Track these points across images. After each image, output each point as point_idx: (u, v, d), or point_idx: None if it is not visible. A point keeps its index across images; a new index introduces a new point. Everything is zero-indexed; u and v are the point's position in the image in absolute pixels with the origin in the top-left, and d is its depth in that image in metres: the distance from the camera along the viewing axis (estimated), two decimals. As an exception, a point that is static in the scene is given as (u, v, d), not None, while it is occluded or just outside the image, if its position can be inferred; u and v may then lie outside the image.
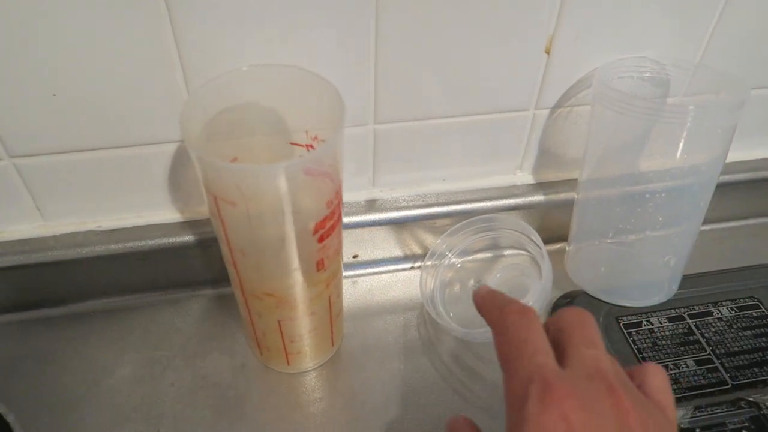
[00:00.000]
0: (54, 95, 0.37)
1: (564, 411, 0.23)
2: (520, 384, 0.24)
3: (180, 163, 0.43)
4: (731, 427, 0.38)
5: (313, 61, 0.39)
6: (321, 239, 0.33)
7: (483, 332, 0.44)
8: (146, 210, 0.45)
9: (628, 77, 0.43)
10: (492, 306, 0.29)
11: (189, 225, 0.45)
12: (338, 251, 0.37)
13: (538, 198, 0.49)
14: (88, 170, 0.42)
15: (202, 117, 0.33)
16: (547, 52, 0.42)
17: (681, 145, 0.39)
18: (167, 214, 0.46)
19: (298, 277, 0.35)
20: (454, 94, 0.43)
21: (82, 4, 0.34)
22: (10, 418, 0.41)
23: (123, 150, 0.41)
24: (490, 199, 0.49)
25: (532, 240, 0.45)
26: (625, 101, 0.38)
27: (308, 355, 0.42)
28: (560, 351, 0.26)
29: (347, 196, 0.48)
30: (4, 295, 0.45)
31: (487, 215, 0.47)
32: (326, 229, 0.33)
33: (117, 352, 0.45)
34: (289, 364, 0.42)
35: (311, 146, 0.36)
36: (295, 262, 0.33)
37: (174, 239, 0.45)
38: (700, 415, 0.39)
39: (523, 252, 0.49)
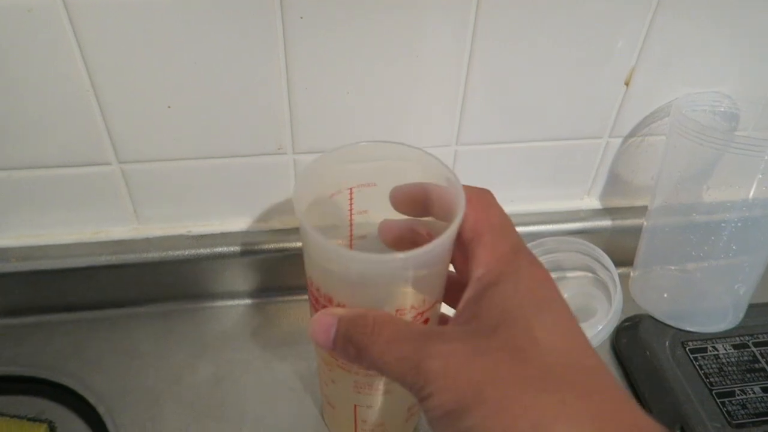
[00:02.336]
0: (169, 107, 0.40)
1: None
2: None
3: (266, 175, 0.46)
4: (800, 453, 0.39)
5: (400, 76, 0.42)
6: None
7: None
8: (232, 217, 0.48)
9: (701, 110, 0.45)
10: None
11: (273, 233, 0.48)
12: None
13: (605, 223, 0.51)
14: (185, 177, 0.45)
15: (310, 195, 0.32)
16: (627, 83, 0.44)
17: (756, 177, 0.40)
18: (252, 222, 0.48)
19: None
20: (531, 119, 0.45)
21: (205, 23, 0.37)
22: (101, 410, 0.43)
23: (221, 160, 0.44)
24: (558, 222, 0.50)
25: (602, 263, 0.47)
26: (703, 131, 0.40)
27: None
28: None
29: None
30: (96, 292, 0.48)
31: (556, 237, 0.49)
32: None
33: (198, 352, 0.47)
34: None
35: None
36: None
37: (258, 246, 0.47)
38: (769, 441, 0.40)
39: (589, 274, 0.50)
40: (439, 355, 0.24)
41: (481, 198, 0.29)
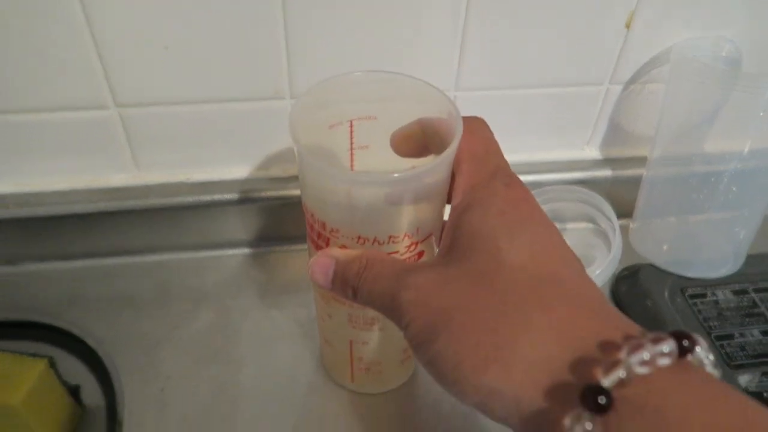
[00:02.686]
0: (166, 48, 0.40)
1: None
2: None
3: (265, 121, 0.45)
4: (798, 393, 0.40)
5: (398, 16, 0.41)
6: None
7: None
8: (233, 165, 0.47)
9: (702, 55, 0.45)
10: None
11: (273, 181, 0.48)
12: None
13: (605, 173, 0.51)
14: (184, 123, 0.44)
15: (307, 120, 0.31)
16: (627, 26, 0.43)
17: (758, 115, 0.40)
18: (252, 170, 0.48)
19: None
20: (531, 65, 0.45)
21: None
22: (101, 352, 0.44)
23: (219, 105, 0.43)
24: (558, 171, 0.50)
25: (603, 212, 0.47)
26: (706, 70, 0.40)
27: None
28: None
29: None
30: (95, 240, 0.48)
31: (559, 186, 0.49)
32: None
33: (197, 300, 0.47)
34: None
35: None
36: None
37: (257, 194, 0.47)
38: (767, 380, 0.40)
39: (590, 225, 0.50)
40: (413, 286, 0.25)
41: (467, 126, 0.29)
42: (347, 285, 0.28)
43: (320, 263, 0.29)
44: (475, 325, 0.23)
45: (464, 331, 0.23)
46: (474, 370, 0.22)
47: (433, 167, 0.28)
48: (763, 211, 0.45)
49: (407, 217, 0.30)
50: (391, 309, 0.25)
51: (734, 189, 0.43)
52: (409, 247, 0.31)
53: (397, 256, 0.31)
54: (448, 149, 0.28)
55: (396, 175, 0.27)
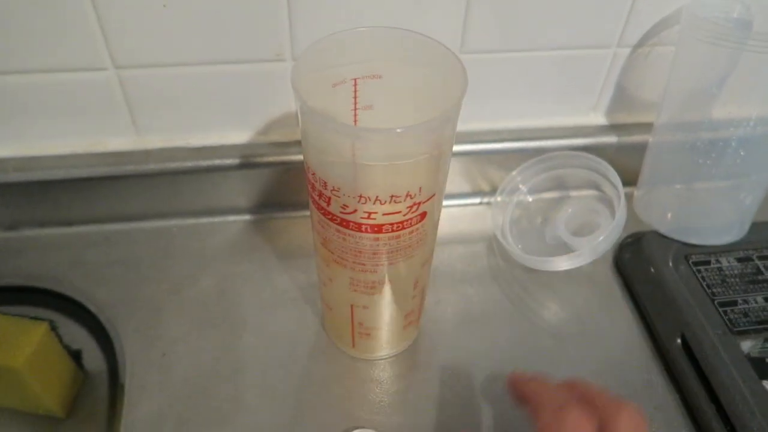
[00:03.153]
0: (164, 6, 0.39)
1: None
2: None
3: (266, 84, 0.44)
4: (801, 358, 0.39)
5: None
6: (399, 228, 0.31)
7: (552, 262, 0.45)
8: (233, 129, 0.47)
9: (714, 16, 0.44)
10: (545, 397, 0.30)
11: (274, 146, 0.47)
12: (421, 242, 0.34)
13: (610, 139, 0.50)
14: (183, 86, 0.44)
15: (310, 78, 0.30)
16: (637, -15, 0.42)
17: (767, 81, 0.39)
18: (253, 135, 0.47)
19: None
20: (537, 26, 0.44)
21: None
22: (102, 318, 0.43)
23: (219, 67, 0.43)
24: (563, 137, 0.49)
25: (608, 179, 0.46)
26: (717, 30, 0.39)
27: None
28: None
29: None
30: (95, 205, 0.47)
31: (562, 152, 0.48)
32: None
33: (198, 265, 0.47)
34: None
35: None
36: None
37: (258, 159, 0.47)
38: (770, 347, 0.40)
39: (595, 191, 0.49)
40: None
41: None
42: None
43: None
44: None
45: None
46: None
47: (437, 122, 0.27)
48: (769, 178, 0.45)
49: (409, 176, 0.29)
50: None
51: (742, 154, 0.43)
52: (411, 207, 0.30)
53: (398, 216, 0.30)
54: (452, 105, 0.28)
55: (399, 129, 0.26)
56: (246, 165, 0.47)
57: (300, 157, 0.47)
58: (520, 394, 0.33)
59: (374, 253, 0.33)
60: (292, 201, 0.50)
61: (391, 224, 0.31)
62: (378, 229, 0.31)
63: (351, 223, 0.31)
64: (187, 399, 0.39)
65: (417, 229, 0.32)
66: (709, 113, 0.44)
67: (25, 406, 0.39)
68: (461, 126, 0.49)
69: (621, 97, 0.49)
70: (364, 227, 0.31)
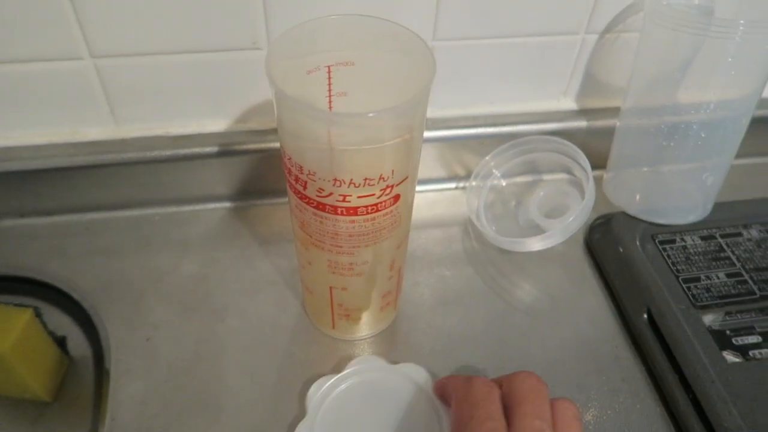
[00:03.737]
0: (140, -6, 0.39)
1: None
2: None
3: (243, 73, 0.45)
4: (758, 330, 0.41)
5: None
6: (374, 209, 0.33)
7: (525, 243, 0.47)
8: (211, 118, 0.48)
9: (676, 3, 0.45)
10: (458, 378, 0.35)
11: (252, 134, 0.48)
12: (396, 224, 0.35)
13: (580, 124, 0.51)
14: (161, 75, 0.44)
15: (284, 65, 0.31)
16: (603, -26, 0.44)
17: (727, 66, 0.41)
18: (231, 123, 0.48)
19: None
20: (508, 14, 0.45)
21: None
22: (86, 305, 0.44)
23: (196, 55, 0.43)
24: (535, 122, 0.51)
25: (578, 162, 0.48)
26: (679, 16, 0.40)
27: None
28: (510, 416, 0.30)
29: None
30: (74, 195, 0.48)
31: (533, 137, 0.50)
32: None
33: (179, 253, 0.48)
34: None
35: None
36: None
37: (236, 147, 0.47)
38: (730, 320, 0.42)
39: (566, 175, 0.51)
40: None
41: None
42: None
43: None
44: None
45: None
46: None
47: (407, 106, 0.29)
48: (730, 159, 0.47)
49: (382, 159, 0.30)
50: None
51: (703, 136, 0.44)
52: (384, 190, 0.32)
53: (372, 198, 0.32)
54: (422, 89, 0.29)
55: (371, 114, 0.27)
56: (225, 153, 0.47)
57: (278, 145, 0.48)
58: (442, 392, 0.37)
59: (350, 236, 0.34)
60: (271, 188, 0.51)
61: (366, 207, 0.32)
62: (353, 211, 0.32)
63: (327, 206, 0.32)
64: (171, 382, 0.40)
65: (391, 211, 0.33)
66: (671, 98, 0.45)
67: (11, 391, 0.40)
68: (437, 112, 0.50)
69: (590, 83, 0.51)
70: (339, 210, 0.32)
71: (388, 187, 0.32)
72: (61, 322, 0.45)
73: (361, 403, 0.38)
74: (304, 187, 0.32)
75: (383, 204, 0.32)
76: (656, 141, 0.47)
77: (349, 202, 0.31)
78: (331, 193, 0.31)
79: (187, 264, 0.47)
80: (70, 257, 0.47)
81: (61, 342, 0.43)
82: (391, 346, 0.43)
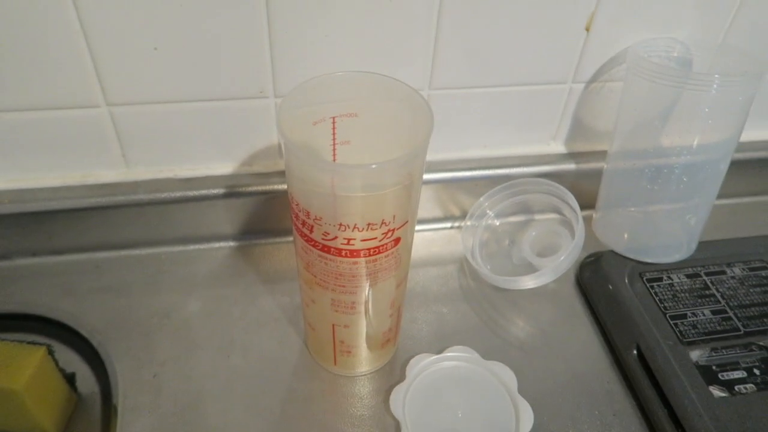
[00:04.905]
0: (155, 49, 0.42)
1: None
2: None
3: (249, 119, 0.48)
4: (743, 365, 0.43)
5: (375, 29, 0.44)
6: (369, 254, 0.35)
7: (519, 281, 0.49)
8: (218, 161, 0.50)
9: (656, 56, 0.48)
10: None
11: (257, 176, 0.50)
12: (396, 265, 0.37)
13: (569, 167, 0.54)
14: (172, 121, 0.46)
15: (293, 116, 0.34)
16: (587, 29, 0.47)
17: (705, 115, 0.44)
18: (237, 166, 0.50)
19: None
20: (500, 65, 0.48)
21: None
22: (95, 342, 0.46)
23: (206, 103, 0.46)
24: (526, 165, 0.53)
25: (568, 203, 0.50)
26: (658, 69, 0.43)
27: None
28: None
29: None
30: (85, 234, 0.50)
31: (525, 179, 0.52)
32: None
33: (186, 290, 0.49)
34: None
35: None
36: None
37: (242, 189, 0.50)
38: (716, 355, 0.44)
39: (556, 215, 0.53)
40: None
41: None
42: None
43: None
44: None
45: None
46: None
47: (407, 157, 0.31)
48: (711, 200, 0.49)
49: (384, 205, 0.33)
50: None
51: (685, 179, 0.47)
52: (386, 233, 0.34)
53: (375, 242, 0.34)
54: (420, 141, 0.31)
55: (374, 165, 0.29)
56: (231, 194, 0.49)
57: (281, 187, 0.50)
58: None
59: (353, 276, 0.36)
60: (275, 228, 0.53)
61: (369, 249, 0.34)
62: (357, 254, 0.34)
63: (332, 249, 0.34)
64: (177, 417, 0.41)
65: (392, 253, 0.35)
66: (654, 142, 0.48)
67: (21, 428, 0.41)
68: (433, 156, 0.53)
69: (578, 128, 0.54)
70: (344, 252, 0.34)
71: (389, 230, 0.34)
72: (70, 359, 0.46)
73: (452, 382, 0.44)
74: (311, 231, 0.34)
75: (385, 246, 0.34)
76: (641, 183, 0.49)
77: (353, 245, 0.33)
78: (336, 237, 0.33)
79: (193, 301, 0.48)
80: (79, 295, 0.48)
81: (70, 379, 0.44)
82: (391, 380, 0.44)
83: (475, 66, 0.48)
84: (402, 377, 0.43)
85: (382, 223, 0.33)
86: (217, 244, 0.53)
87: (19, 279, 0.49)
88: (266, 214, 0.52)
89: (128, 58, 0.42)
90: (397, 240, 0.35)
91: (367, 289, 0.37)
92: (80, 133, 0.46)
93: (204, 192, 0.49)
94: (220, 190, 0.49)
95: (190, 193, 0.49)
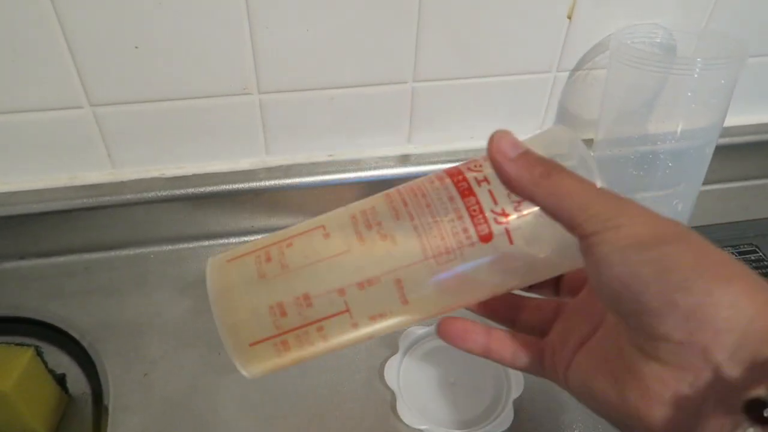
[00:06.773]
0: (136, 47, 0.42)
1: None
2: None
3: (234, 116, 0.48)
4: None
5: (355, 22, 0.44)
6: None
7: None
8: (204, 160, 0.50)
9: (640, 42, 0.48)
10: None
11: (242, 174, 0.50)
12: None
13: (557, 156, 0.54)
14: (156, 120, 0.46)
15: None
16: (569, 17, 0.47)
17: (688, 99, 0.44)
18: (223, 164, 0.50)
19: None
20: (483, 55, 0.48)
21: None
22: (85, 343, 0.45)
23: (189, 101, 0.46)
24: (514, 156, 0.53)
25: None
26: (641, 56, 0.43)
27: None
28: None
29: (384, 151, 0.52)
30: (72, 236, 0.50)
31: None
32: None
33: (176, 290, 0.49)
34: None
35: None
36: None
37: (228, 187, 0.49)
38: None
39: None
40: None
41: None
42: (539, 165, 0.23)
43: (508, 137, 0.25)
44: (704, 246, 0.22)
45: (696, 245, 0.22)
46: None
47: None
48: (698, 186, 0.49)
49: None
50: (601, 206, 0.23)
51: (671, 165, 0.47)
52: None
53: None
54: None
55: None
56: (218, 192, 0.49)
57: (267, 183, 0.50)
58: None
59: None
60: (263, 225, 0.53)
61: None
62: None
63: None
64: (168, 415, 0.41)
65: None
66: (639, 129, 0.48)
67: (11, 429, 0.41)
68: (420, 149, 0.53)
69: (564, 116, 0.54)
70: None
71: None
72: (61, 360, 0.46)
73: (444, 352, 0.45)
74: None
75: None
76: (628, 170, 0.49)
77: None
78: None
79: (182, 300, 0.48)
80: (68, 297, 0.48)
81: (60, 380, 0.44)
82: (385, 353, 0.44)
83: (458, 57, 0.48)
84: (395, 350, 0.44)
85: None
86: (206, 243, 0.53)
87: (6, 282, 0.49)
88: (253, 211, 0.52)
89: (109, 57, 0.42)
90: None
91: None
92: (65, 135, 0.46)
93: (191, 191, 0.49)
94: (208, 188, 0.49)
95: (178, 192, 0.49)
